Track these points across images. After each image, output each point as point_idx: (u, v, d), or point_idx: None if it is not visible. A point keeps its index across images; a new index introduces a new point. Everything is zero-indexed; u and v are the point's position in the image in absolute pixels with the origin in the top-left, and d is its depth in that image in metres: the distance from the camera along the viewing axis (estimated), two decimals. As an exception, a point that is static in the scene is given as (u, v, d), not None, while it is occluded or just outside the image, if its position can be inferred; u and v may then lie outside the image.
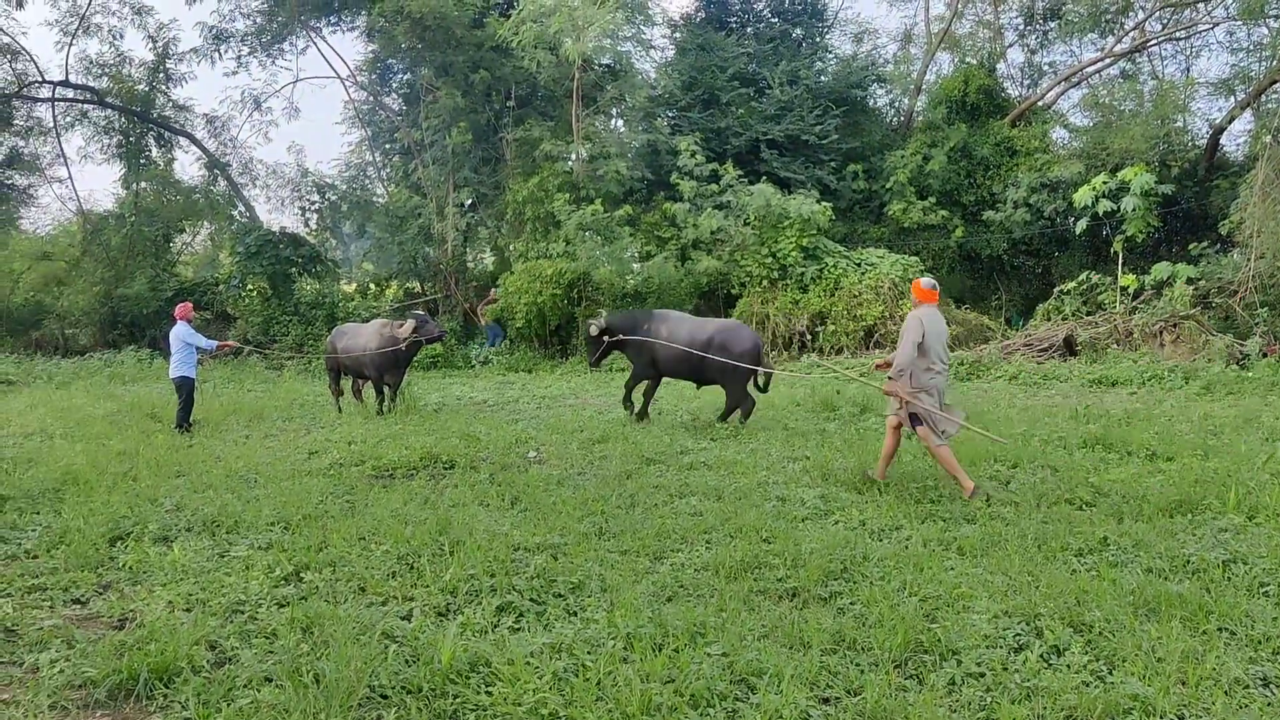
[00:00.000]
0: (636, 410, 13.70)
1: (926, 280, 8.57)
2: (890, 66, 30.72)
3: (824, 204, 22.98)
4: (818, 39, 30.03)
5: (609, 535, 7.29)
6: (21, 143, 28.72)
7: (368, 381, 15.91)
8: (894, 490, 8.54)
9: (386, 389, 15.21)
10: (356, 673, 4.55)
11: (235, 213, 29.08)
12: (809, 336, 22.75)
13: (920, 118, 29.34)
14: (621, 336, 13.56)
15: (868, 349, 22.55)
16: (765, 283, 23.10)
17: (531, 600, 5.76)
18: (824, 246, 23.46)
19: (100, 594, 6.21)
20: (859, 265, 23.31)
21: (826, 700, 4.46)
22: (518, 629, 5.34)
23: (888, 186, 26.50)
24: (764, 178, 24.50)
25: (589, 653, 4.87)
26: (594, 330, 13.86)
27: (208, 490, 9.20)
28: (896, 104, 30.67)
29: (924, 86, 29.65)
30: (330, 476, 9.99)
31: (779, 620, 5.34)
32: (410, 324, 14.53)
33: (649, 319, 13.53)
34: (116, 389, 19.65)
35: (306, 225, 28.42)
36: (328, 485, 9.40)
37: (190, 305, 14.23)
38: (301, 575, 6.36)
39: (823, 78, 28.31)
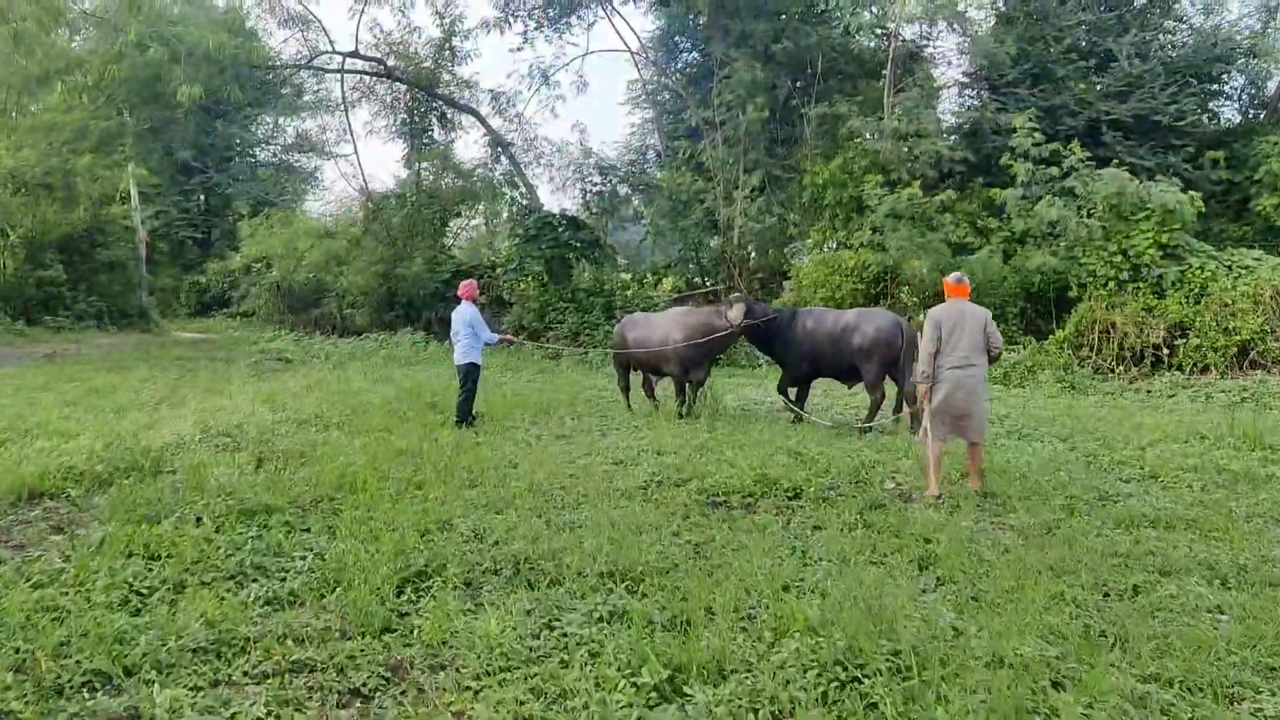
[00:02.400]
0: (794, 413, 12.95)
1: (953, 275, 8.72)
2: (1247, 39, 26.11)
3: (1191, 194, 19.16)
4: (1170, 5, 25.80)
5: (1112, 642, 4.77)
6: (311, 123, 28.93)
7: (662, 378, 13.84)
8: None
9: (689, 387, 13.07)
10: None
11: (516, 194, 27.99)
12: (1165, 350, 19.02)
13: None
14: (758, 324, 12.60)
15: (1240, 370, 18.63)
16: (1112, 285, 19.52)
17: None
18: (1187, 245, 19.61)
19: (388, 683, 4.16)
20: (1230, 268, 19.31)
21: None
22: None
23: (1255, 178, 22.16)
24: (1109, 164, 20.87)
25: None
26: (735, 316, 12.29)
27: (509, 510, 7.23)
28: (1259, 83, 25.89)
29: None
30: (653, 501, 7.87)
31: None
32: (740, 308, 12.31)
33: (796, 316, 13.04)
34: (393, 372, 18.56)
35: (587, 209, 26.95)
36: (655, 514, 7.26)
37: (475, 284, 12.54)
38: (682, 689, 4.09)
39: (1175, 51, 24.17)
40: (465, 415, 11.91)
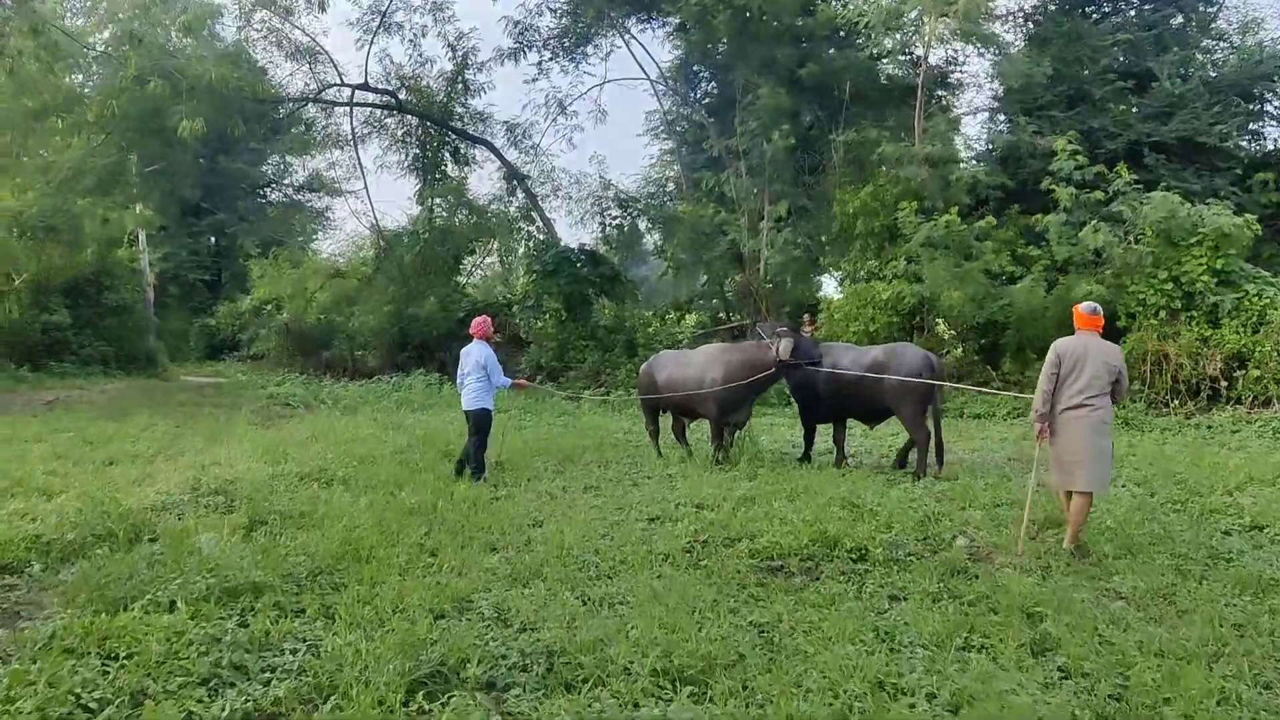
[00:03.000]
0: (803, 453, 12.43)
1: (1086, 305, 7.96)
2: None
3: (1247, 216, 18.13)
4: (1209, 24, 24.91)
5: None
6: (320, 161, 28.20)
7: (695, 420, 12.83)
8: None
9: (727, 431, 12.08)
10: None
11: (532, 228, 27.14)
12: (1223, 383, 17.93)
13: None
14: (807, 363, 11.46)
15: (1306, 400, 17.54)
16: (1163, 314, 18.46)
17: None
18: (1242, 270, 18.55)
19: None
20: (1290, 293, 18.24)
21: None
22: None
23: (1310, 199, 21.13)
24: (1153, 187, 19.89)
25: None
26: (783, 352, 11.23)
27: (536, 580, 6.24)
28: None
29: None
30: (701, 568, 6.87)
31: None
32: (788, 342, 11.32)
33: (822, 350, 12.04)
34: (405, 417, 17.62)
35: (606, 243, 26.05)
36: (705, 585, 6.25)
37: (489, 320, 11.48)
38: None
39: (1217, 70, 23.22)
40: (480, 467, 10.92)
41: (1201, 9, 25.14)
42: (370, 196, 35.09)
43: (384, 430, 15.13)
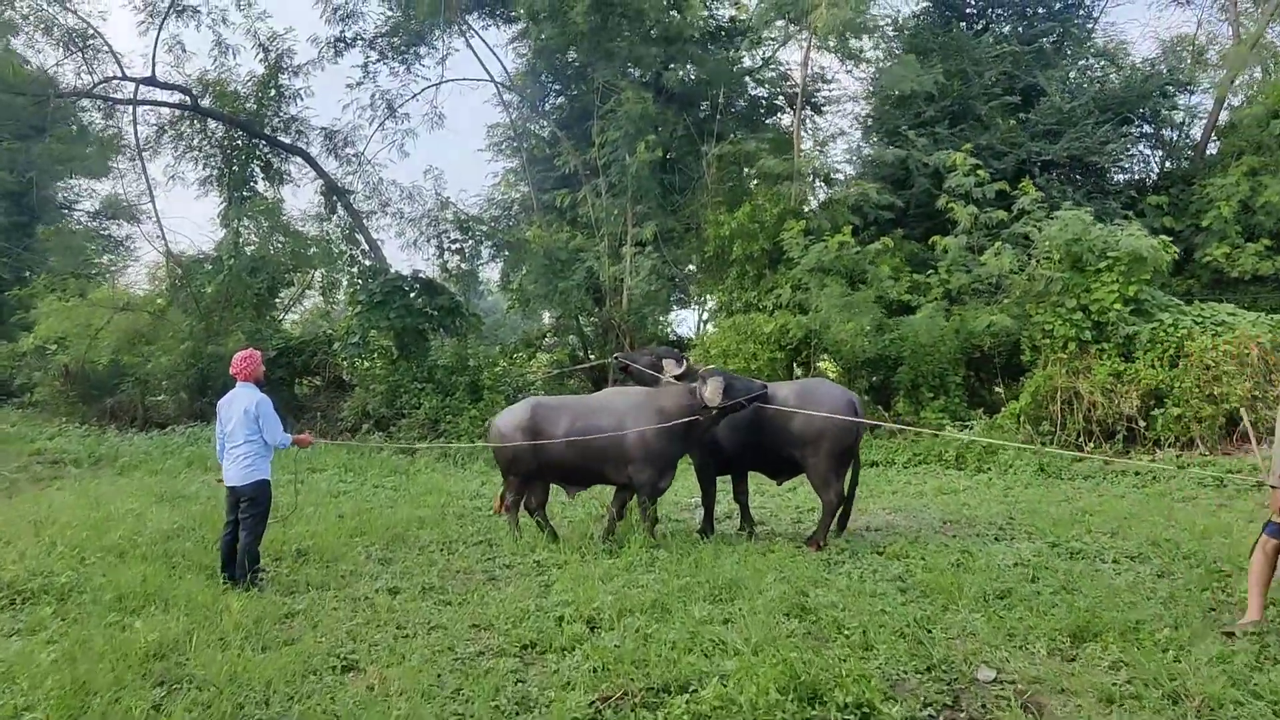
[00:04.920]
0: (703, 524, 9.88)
1: None
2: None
3: (1163, 238, 16.46)
4: (1085, 42, 23.67)
5: None
6: (107, 186, 23.99)
7: (586, 487, 9.80)
8: None
9: (639, 496, 9.20)
10: None
11: (356, 252, 23.51)
12: (1140, 423, 16.12)
13: (1221, 142, 22.41)
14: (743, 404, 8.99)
15: (1230, 442, 15.86)
16: (1072, 346, 16.56)
17: None
18: (1154, 298, 16.87)
19: None
20: (1202, 324, 16.60)
21: None
22: None
23: (1203, 224, 19.77)
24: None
25: None
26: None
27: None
28: (1186, 123, 23.73)
29: (1226, 101, 22.79)
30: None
31: None
32: (718, 382, 8.61)
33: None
34: (191, 481, 13.99)
35: (444, 270, 22.74)
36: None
37: (259, 356, 8.10)
38: None
39: (1101, 87, 21.86)
40: (254, 565, 7.66)
41: (1077, 28, 23.93)
42: (158, 215, 28.03)
43: (155, 502, 11.56)
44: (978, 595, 7.14)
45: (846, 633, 6.22)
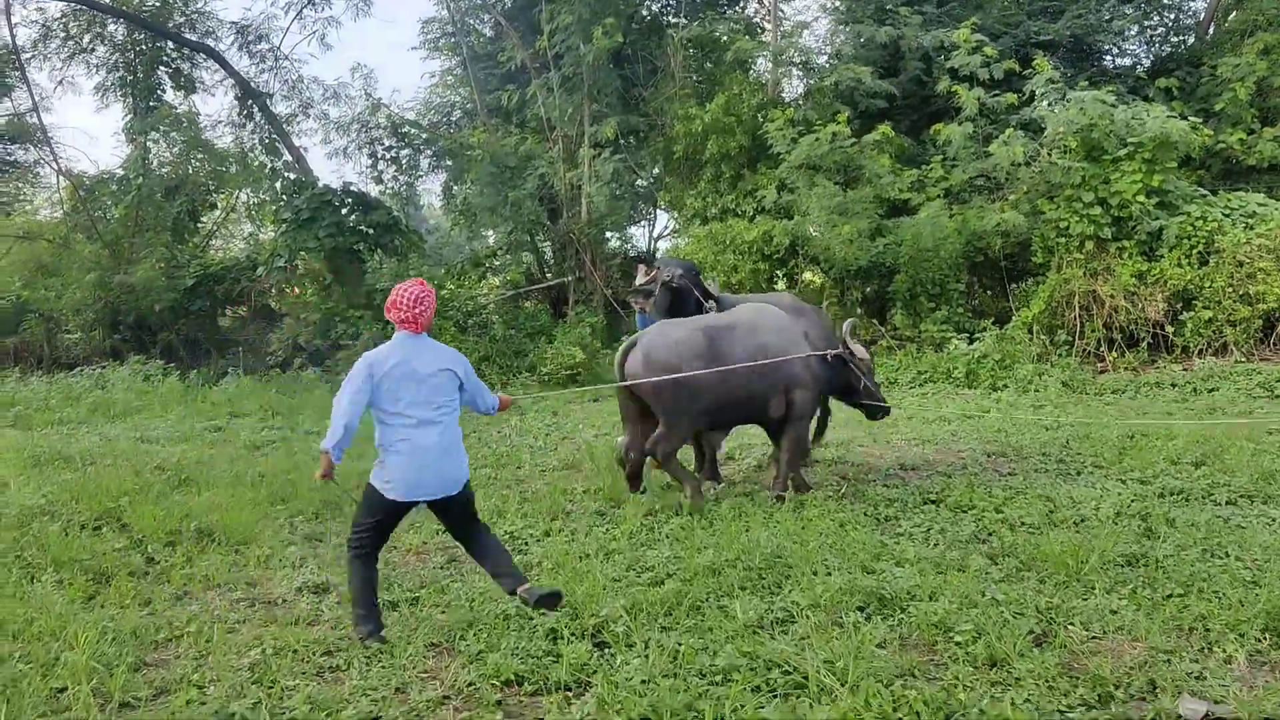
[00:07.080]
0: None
1: None
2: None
3: (1193, 120, 14.63)
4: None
5: None
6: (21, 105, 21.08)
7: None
8: None
9: (786, 438, 7.68)
10: None
11: (277, 164, 20.92)
12: (1167, 328, 14.48)
13: (1227, 20, 20.49)
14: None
15: (1269, 344, 14.29)
16: (1090, 245, 14.79)
17: None
18: (1179, 189, 15.09)
19: None
20: (1231, 216, 14.89)
21: None
22: None
23: (1214, 109, 17.97)
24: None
25: None
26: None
27: None
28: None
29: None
30: None
31: None
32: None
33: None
34: (90, 434, 11.77)
35: (379, 182, 20.32)
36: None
37: (433, 294, 5.33)
38: None
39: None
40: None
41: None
42: (45, 130, 23.87)
43: (27, 468, 9.34)
44: (1097, 564, 5.38)
45: (958, 640, 4.41)
